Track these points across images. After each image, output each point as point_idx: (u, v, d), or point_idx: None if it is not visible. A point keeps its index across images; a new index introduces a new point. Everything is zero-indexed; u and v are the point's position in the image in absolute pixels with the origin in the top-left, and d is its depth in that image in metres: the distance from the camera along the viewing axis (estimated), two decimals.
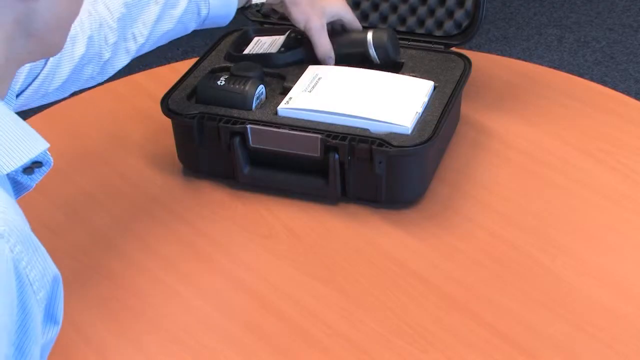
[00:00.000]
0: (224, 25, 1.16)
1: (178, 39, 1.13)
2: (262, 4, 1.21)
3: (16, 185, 0.73)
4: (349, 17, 1.23)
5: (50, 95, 1.01)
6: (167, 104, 1.17)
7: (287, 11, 1.19)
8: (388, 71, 1.22)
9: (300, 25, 1.20)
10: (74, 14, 0.74)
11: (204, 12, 1.11)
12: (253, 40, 1.29)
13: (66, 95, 1.04)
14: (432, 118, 1.12)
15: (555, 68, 1.57)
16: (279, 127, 1.11)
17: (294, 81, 1.19)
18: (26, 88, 0.96)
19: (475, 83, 1.33)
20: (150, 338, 0.96)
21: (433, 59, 1.25)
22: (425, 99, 1.15)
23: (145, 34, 1.07)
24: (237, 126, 1.12)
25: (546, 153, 1.21)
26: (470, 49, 1.35)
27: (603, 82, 2.57)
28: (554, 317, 0.96)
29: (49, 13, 0.70)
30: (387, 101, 1.14)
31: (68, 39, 0.90)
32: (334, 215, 1.11)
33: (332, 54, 1.21)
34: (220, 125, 1.12)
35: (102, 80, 1.07)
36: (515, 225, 1.09)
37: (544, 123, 1.28)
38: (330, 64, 1.21)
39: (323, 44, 1.20)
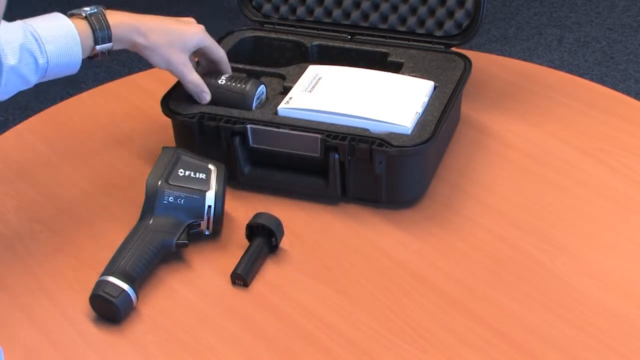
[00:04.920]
0: (72, 74, 1.06)
1: None
2: (109, 51, 1.07)
3: None
4: (210, 43, 1.15)
5: None
6: (167, 104, 1.17)
7: (145, 57, 1.11)
8: (388, 71, 1.22)
9: (162, 66, 1.12)
10: None
11: (41, 61, 1.01)
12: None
13: None
14: (432, 118, 1.12)
15: (555, 68, 1.57)
16: (279, 127, 1.11)
17: (294, 81, 1.19)
18: None
19: (475, 83, 1.33)
20: (150, 338, 0.96)
21: (433, 59, 1.25)
22: (426, 99, 1.15)
23: None
24: (237, 126, 1.12)
25: (546, 153, 1.21)
26: (471, 49, 1.35)
27: (603, 82, 2.57)
28: (554, 317, 0.96)
29: None
30: (387, 101, 1.14)
31: None
32: (334, 215, 1.11)
33: (205, 88, 1.14)
34: (220, 125, 1.12)
35: None
36: (515, 225, 1.09)
37: (544, 123, 1.28)
38: (205, 100, 1.14)
39: (191, 80, 1.13)
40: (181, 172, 1.05)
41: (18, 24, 1.01)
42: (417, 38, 1.30)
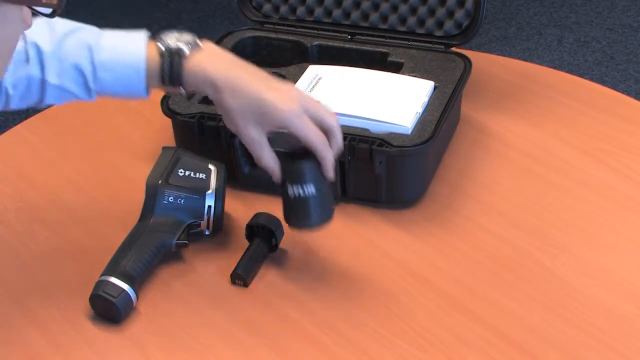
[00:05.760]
0: (142, 99, 0.98)
1: None
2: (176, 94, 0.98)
3: None
4: (298, 130, 0.93)
5: None
6: (167, 104, 1.17)
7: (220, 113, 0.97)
8: (388, 71, 1.22)
9: (232, 131, 0.97)
10: None
11: (92, 85, 0.95)
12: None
13: None
14: (432, 118, 1.12)
15: (555, 68, 1.57)
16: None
17: (294, 81, 1.19)
18: None
19: (475, 83, 1.33)
20: (150, 338, 0.96)
21: (433, 59, 1.25)
22: (426, 99, 1.15)
23: (11, 92, 0.95)
24: None
25: (546, 153, 1.21)
26: (470, 49, 1.35)
27: (603, 82, 2.57)
28: (554, 317, 0.96)
29: None
30: (387, 101, 1.14)
31: None
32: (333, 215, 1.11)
33: (277, 171, 0.97)
34: (220, 125, 1.12)
35: None
36: (515, 225, 1.09)
37: (544, 123, 1.28)
38: (276, 180, 0.99)
39: (261, 159, 0.97)
40: (181, 172, 1.05)
41: (88, 38, 0.95)
42: (417, 38, 1.30)
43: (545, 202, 1.13)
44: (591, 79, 1.67)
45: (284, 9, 1.36)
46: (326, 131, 0.95)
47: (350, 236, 1.08)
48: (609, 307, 0.97)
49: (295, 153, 0.96)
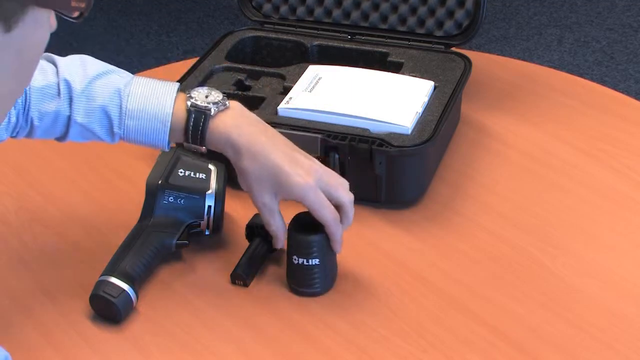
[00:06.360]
0: (158, 148, 0.99)
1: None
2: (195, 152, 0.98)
3: None
4: (312, 205, 0.95)
5: None
6: None
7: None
8: (388, 71, 1.22)
9: (245, 190, 0.99)
10: (16, 93, 0.71)
11: (117, 130, 0.96)
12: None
13: None
14: (432, 118, 1.12)
15: (555, 68, 1.57)
16: (279, 127, 1.11)
17: (294, 81, 1.19)
18: None
19: (475, 83, 1.33)
20: (150, 338, 0.96)
21: (433, 59, 1.25)
22: (425, 99, 1.15)
23: (37, 123, 0.96)
24: None
25: (546, 153, 1.21)
26: (470, 49, 1.35)
27: (603, 82, 2.57)
28: (554, 317, 0.96)
29: None
30: (387, 101, 1.14)
31: None
32: None
33: (282, 238, 0.99)
34: None
35: None
36: (515, 225, 1.09)
37: (544, 123, 1.28)
38: (276, 246, 1.01)
39: (270, 225, 0.98)
40: (181, 172, 1.05)
41: (118, 83, 0.96)
42: (417, 38, 1.30)
43: (545, 202, 1.13)
44: (591, 79, 1.67)
45: (284, 9, 1.36)
46: (339, 207, 0.97)
47: (350, 236, 1.08)
48: (609, 307, 0.97)
49: (303, 223, 0.98)
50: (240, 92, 1.21)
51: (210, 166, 1.07)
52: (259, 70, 1.24)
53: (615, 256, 1.04)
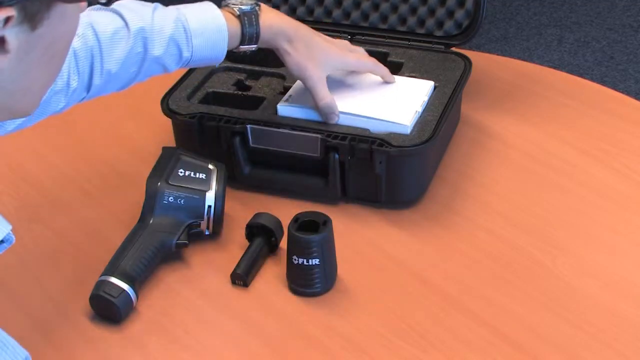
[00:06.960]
0: (215, 65, 1.09)
1: None
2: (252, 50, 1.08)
3: None
4: (354, 64, 1.16)
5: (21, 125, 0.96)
6: (167, 104, 1.17)
7: (284, 61, 1.10)
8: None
9: (297, 75, 1.11)
10: (48, 83, 0.72)
11: (186, 54, 1.03)
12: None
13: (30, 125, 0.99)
14: (432, 118, 1.12)
15: (555, 68, 1.57)
16: (279, 127, 1.11)
17: (294, 81, 1.19)
18: None
19: (475, 83, 1.33)
20: (150, 338, 0.96)
21: (433, 59, 1.25)
22: (426, 99, 1.15)
23: (114, 70, 0.99)
24: (237, 126, 1.12)
25: (546, 153, 1.21)
26: (470, 49, 1.35)
27: (603, 82, 2.57)
28: (554, 317, 0.96)
29: (17, 73, 0.67)
30: (387, 101, 1.14)
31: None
32: (334, 215, 1.11)
33: (336, 110, 1.11)
34: (220, 125, 1.12)
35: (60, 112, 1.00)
36: (515, 225, 1.09)
37: (544, 123, 1.28)
38: (332, 121, 1.11)
39: (322, 97, 1.10)
40: (181, 172, 1.05)
41: (172, 12, 1.02)
42: (417, 38, 1.30)
43: (545, 202, 1.13)
44: (591, 79, 1.67)
45: (283, 9, 1.36)
46: None
47: (350, 236, 1.08)
48: (609, 307, 0.97)
49: (303, 223, 0.98)
50: (240, 92, 1.21)
51: (210, 166, 1.07)
52: (259, 70, 1.24)
53: (615, 256, 1.04)
